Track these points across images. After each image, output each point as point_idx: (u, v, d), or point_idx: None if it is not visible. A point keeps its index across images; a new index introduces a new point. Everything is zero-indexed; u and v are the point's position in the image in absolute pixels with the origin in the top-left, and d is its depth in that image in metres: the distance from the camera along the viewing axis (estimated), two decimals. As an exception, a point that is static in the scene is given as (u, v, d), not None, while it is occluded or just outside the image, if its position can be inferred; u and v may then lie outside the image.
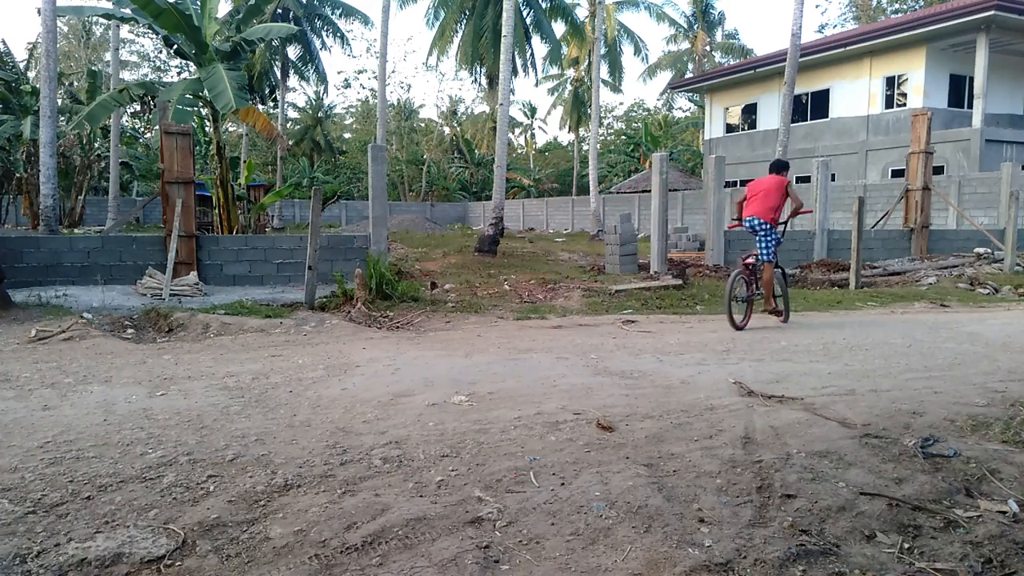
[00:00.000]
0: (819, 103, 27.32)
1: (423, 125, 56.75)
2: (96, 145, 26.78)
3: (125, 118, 34.28)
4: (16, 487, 3.06)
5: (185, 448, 3.58)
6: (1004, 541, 2.58)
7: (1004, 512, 2.83)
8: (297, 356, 6.07)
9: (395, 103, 50.39)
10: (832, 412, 4.23)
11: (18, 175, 23.82)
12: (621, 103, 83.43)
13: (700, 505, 2.91)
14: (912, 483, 3.12)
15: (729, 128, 31.97)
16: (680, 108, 54.95)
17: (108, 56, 34.76)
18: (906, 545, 2.57)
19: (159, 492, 3.03)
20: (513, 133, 55.05)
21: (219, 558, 2.48)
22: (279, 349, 6.43)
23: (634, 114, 59.35)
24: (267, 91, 35.53)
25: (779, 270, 8.05)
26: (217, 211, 13.93)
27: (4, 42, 28.66)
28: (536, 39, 28.54)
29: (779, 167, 8.12)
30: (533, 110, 57.18)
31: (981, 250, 14.84)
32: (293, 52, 33.77)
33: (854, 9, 42.63)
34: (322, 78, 35.62)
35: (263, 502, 2.94)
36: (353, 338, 7.08)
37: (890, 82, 24.99)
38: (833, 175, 25.15)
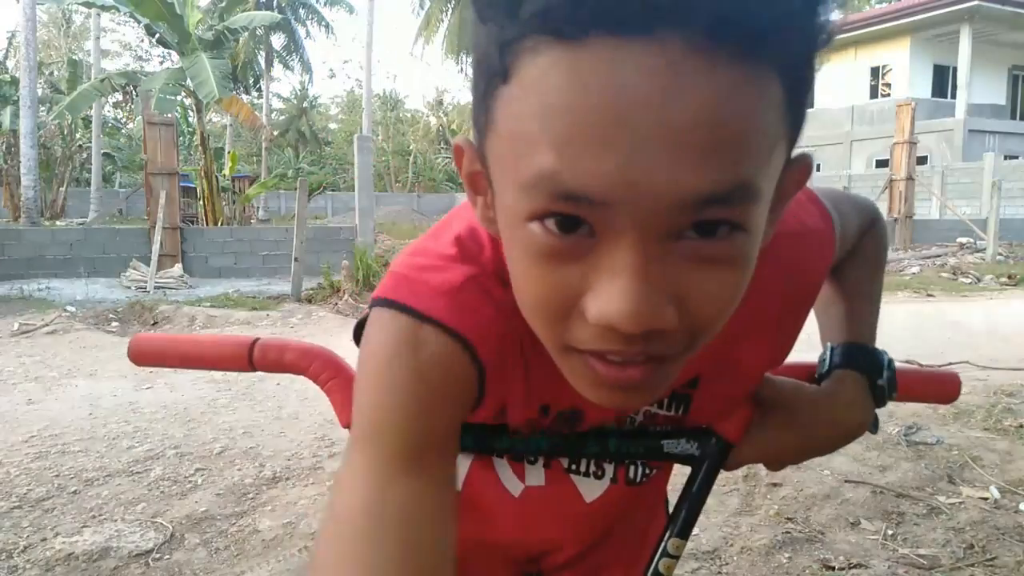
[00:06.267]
0: (804, 93, 27.42)
1: (409, 115, 56.46)
2: (78, 136, 26.44)
3: (107, 108, 33.91)
4: (1, 482, 3.04)
5: (172, 442, 3.57)
6: (986, 527, 2.62)
7: (986, 498, 2.87)
8: (284, 348, 6.03)
9: (381, 93, 50.15)
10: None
11: (-2, 166, 23.52)
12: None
13: (687, 494, 2.93)
14: (895, 471, 3.16)
15: (715, 118, 32.05)
16: (667, 98, 54.97)
17: (89, 45, 34.33)
18: (890, 532, 2.61)
19: (146, 486, 3.01)
20: (500, 123, 54.79)
21: (208, 551, 2.48)
22: (266, 341, 6.39)
23: (621, 104, 59.26)
24: (251, 81, 35.19)
25: None
26: (201, 203, 13.81)
27: (-18, 31, 28.25)
28: (523, 28, 28.46)
29: None
30: (520, 100, 57.01)
31: (964, 239, 15.00)
32: (277, 41, 33.45)
33: (839, -1, 42.84)
34: (307, 68, 35.36)
35: (251, 495, 2.93)
36: (340, 330, 7.04)
37: (875, 72, 25.12)
38: (819, 166, 25.33)
